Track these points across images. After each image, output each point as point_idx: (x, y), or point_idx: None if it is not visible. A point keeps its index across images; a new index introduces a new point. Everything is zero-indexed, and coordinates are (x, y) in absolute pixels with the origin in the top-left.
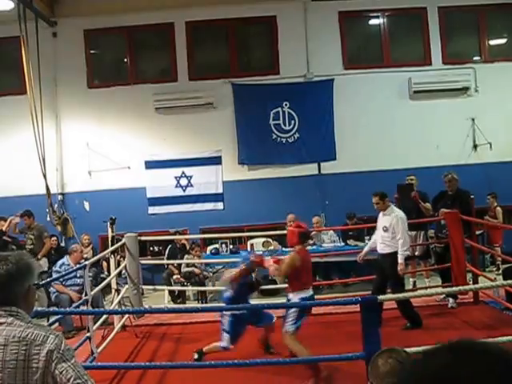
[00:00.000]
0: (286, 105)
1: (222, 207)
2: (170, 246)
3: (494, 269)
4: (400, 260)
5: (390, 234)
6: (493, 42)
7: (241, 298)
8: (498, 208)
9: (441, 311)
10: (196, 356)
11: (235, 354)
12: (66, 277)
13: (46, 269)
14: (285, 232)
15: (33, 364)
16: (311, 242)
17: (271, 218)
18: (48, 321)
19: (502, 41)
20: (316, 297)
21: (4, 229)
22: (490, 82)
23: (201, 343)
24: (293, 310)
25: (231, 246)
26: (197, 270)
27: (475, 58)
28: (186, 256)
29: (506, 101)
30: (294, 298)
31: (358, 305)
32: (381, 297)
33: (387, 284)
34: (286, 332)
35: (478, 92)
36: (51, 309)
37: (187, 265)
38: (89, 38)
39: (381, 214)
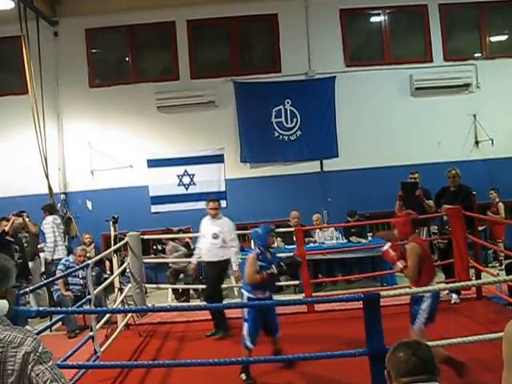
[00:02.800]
0: (287, 102)
1: (224, 205)
2: (172, 245)
3: (497, 264)
4: None
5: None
6: (494, 39)
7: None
8: (501, 203)
9: (444, 307)
10: (244, 377)
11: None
12: (68, 276)
13: (43, 269)
14: (288, 229)
15: (8, 366)
16: (313, 239)
17: (274, 216)
18: (51, 320)
19: (503, 37)
20: (319, 294)
21: (6, 229)
22: (491, 79)
23: (204, 341)
24: (423, 307)
25: None
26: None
27: (476, 55)
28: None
29: (508, 97)
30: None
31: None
32: (383, 293)
33: None
34: (420, 330)
35: (479, 88)
36: (54, 308)
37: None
38: (90, 37)
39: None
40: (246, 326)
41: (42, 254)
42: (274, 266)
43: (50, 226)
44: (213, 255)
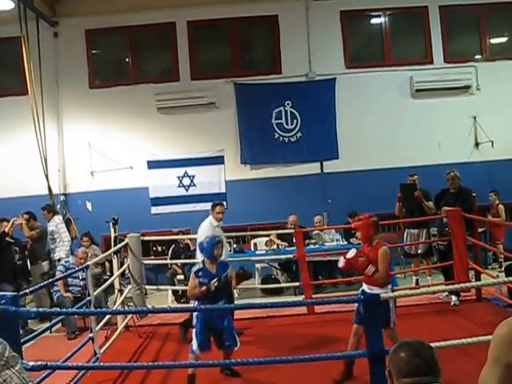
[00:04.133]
0: (288, 104)
1: (224, 206)
2: (173, 246)
3: (497, 266)
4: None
5: None
6: (494, 41)
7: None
8: (501, 205)
9: (444, 309)
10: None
11: (239, 354)
12: (68, 277)
13: (45, 270)
14: (287, 231)
15: None
16: (314, 241)
17: (274, 217)
18: (51, 321)
19: (503, 39)
20: (319, 295)
21: (7, 230)
22: (491, 81)
23: None
24: (392, 305)
25: (235, 246)
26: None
27: (477, 57)
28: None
29: (508, 99)
30: (388, 290)
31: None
32: (383, 295)
33: None
34: (391, 328)
35: (479, 90)
36: (54, 309)
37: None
38: (90, 38)
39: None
40: (193, 331)
41: (55, 254)
42: (211, 283)
43: (63, 225)
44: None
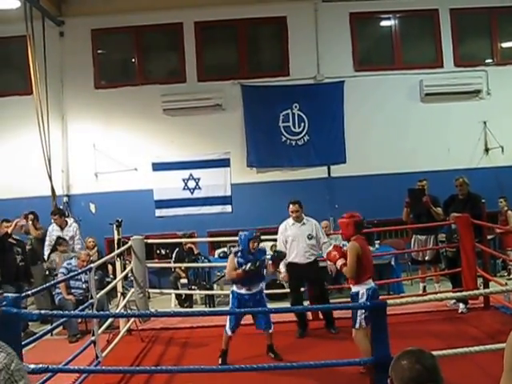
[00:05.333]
0: (295, 107)
1: (230, 210)
2: (177, 250)
3: (506, 274)
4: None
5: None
6: (505, 45)
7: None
8: (510, 212)
9: (451, 316)
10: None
11: (242, 359)
12: (70, 280)
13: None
14: None
15: None
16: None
17: (280, 221)
18: (52, 324)
19: None
20: None
21: (9, 231)
22: (502, 85)
23: (208, 348)
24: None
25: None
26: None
27: (487, 61)
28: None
29: None
30: (361, 289)
31: None
32: (390, 301)
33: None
34: (360, 327)
35: (489, 95)
36: (55, 312)
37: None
38: (96, 38)
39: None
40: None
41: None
42: (248, 265)
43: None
44: (310, 255)
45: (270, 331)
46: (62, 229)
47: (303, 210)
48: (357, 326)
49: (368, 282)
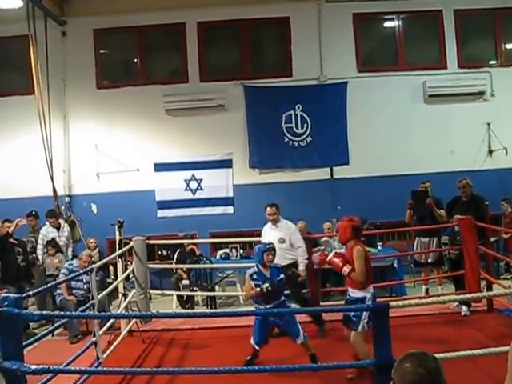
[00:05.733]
0: (298, 108)
1: (232, 211)
2: (178, 251)
3: (509, 276)
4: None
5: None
6: (509, 46)
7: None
8: None
9: (454, 319)
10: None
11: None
12: (71, 280)
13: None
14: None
15: None
16: (322, 248)
17: None
18: (53, 325)
19: None
20: (327, 303)
21: (10, 231)
22: (506, 87)
23: (209, 349)
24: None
25: (241, 251)
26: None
27: (491, 62)
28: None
29: None
30: (367, 294)
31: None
32: (392, 303)
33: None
34: (363, 330)
35: (493, 96)
36: (57, 312)
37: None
38: (98, 38)
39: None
40: (253, 329)
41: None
42: (265, 285)
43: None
44: (284, 260)
45: (298, 342)
46: (58, 230)
47: (280, 212)
48: (359, 329)
49: (371, 288)
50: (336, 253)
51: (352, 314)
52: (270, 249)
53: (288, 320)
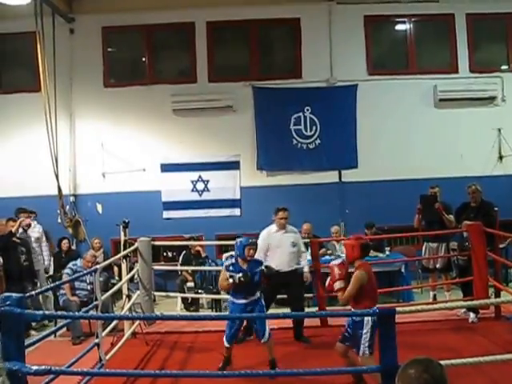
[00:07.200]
0: (307, 110)
1: (238, 213)
2: (184, 252)
3: None
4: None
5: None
6: None
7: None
8: None
9: (461, 326)
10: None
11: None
12: (75, 281)
13: (51, 272)
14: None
15: None
16: (329, 251)
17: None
18: (56, 325)
19: None
20: (332, 308)
21: (13, 230)
22: None
23: (213, 352)
24: (365, 331)
25: None
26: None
27: (503, 67)
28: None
29: None
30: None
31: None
32: (399, 309)
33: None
34: (364, 355)
35: (504, 102)
36: (59, 313)
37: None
38: (106, 36)
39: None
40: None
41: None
42: (237, 276)
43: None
44: (294, 264)
45: (263, 341)
46: (25, 231)
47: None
48: (360, 353)
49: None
50: (342, 263)
51: (350, 330)
52: (252, 243)
53: (260, 320)
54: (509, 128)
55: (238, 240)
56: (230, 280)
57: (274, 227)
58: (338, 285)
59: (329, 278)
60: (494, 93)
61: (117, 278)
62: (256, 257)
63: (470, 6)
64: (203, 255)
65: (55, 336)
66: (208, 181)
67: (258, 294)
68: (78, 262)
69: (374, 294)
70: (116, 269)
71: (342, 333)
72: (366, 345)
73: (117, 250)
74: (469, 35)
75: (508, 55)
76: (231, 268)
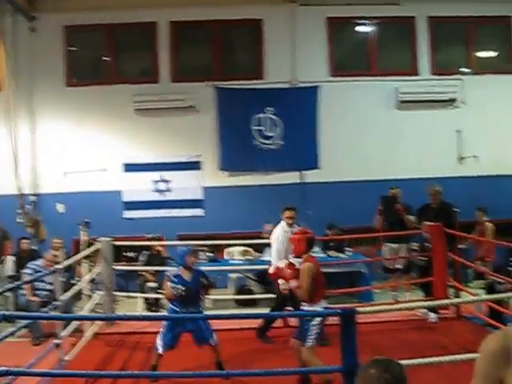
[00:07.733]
0: (269, 110)
1: (201, 213)
2: (147, 253)
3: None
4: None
5: None
6: (481, 54)
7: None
8: (488, 223)
9: (421, 326)
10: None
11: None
12: (35, 281)
13: (11, 273)
14: (264, 241)
15: None
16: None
17: (252, 226)
18: (15, 326)
19: (491, 53)
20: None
21: None
22: (477, 95)
23: (174, 352)
24: (315, 322)
25: (210, 254)
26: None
27: (463, 70)
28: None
29: (493, 113)
30: (316, 309)
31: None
32: (360, 309)
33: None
34: (306, 346)
35: (464, 104)
36: (19, 313)
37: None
38: (68, 35)
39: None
40: (160, 332)
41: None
42: (176, 288)
43: None
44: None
45: (213, 344)
46: None
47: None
48: (309, 343)
49: (321, 302)
50: (290, 263)
51: (301, 323)
52: (194, 251)
53: (201, 325)
54: (468, 130)
55: (179, 249)
56: (173, 291)
57: (284, 224)
58: (293, 283)
59: (280, 281)
60: (454, 95)
61: (77, 278)
62: (276, 248)
63: (431, 9)
64: (164, 255)
65: (14, 336)
66: (170, 181)
67: (200, 304)
68: (40, 261)
69: (322, 288)
70: (80, 269)
71: (296, 328)
72: (313, 337)
73: (77, 249)
74: (430, 38)
75: (468, 58)
76: (174, 280)
